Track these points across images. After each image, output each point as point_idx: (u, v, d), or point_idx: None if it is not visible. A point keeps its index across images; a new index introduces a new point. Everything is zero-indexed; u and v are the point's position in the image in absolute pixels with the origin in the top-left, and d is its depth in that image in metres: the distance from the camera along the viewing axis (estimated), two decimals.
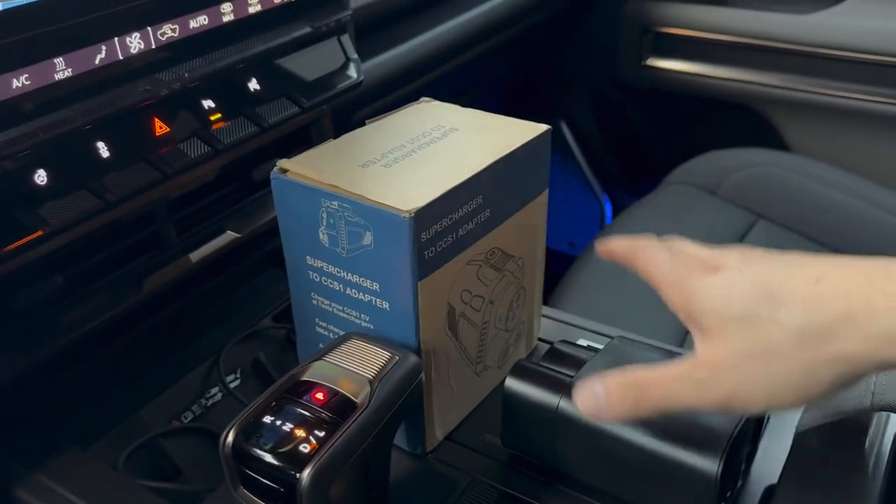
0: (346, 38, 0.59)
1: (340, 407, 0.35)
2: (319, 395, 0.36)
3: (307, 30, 0.55)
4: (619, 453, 0.38)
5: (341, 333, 0.42)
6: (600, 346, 0.44)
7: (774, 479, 0.40)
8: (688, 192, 1.06)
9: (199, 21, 0.48)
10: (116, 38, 0.43)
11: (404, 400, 0.37)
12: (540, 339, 0.53)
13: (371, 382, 0.36)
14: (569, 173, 1.44)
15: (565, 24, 1.32)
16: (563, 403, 0.39)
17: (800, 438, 0.42)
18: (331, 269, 0.42)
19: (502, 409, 0.42)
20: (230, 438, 0.34)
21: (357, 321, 0.42)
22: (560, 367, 0.42)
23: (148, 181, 0.46)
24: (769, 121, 1.22)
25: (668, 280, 0.36)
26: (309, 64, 0.56)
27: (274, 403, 0.35)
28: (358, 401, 0.35)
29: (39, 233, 0.41)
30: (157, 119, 0.47)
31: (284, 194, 0.42)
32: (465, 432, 0.46)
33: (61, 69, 0.41)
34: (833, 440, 0.41)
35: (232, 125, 0.51)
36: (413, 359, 0.39)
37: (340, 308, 0.43)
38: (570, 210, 1.46)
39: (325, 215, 0.40)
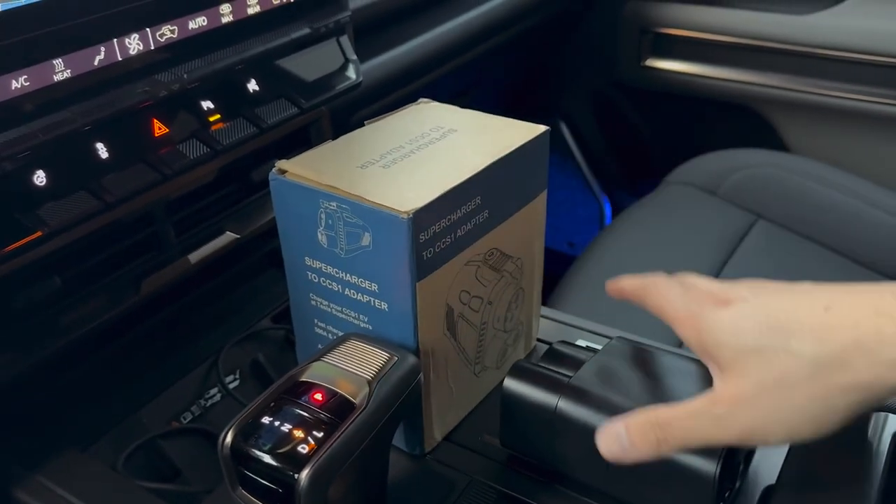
0: (344, 40, 0.59)
1: (339, 408, 0.35)
2: (318, 396, 0.36)
3: (306, 31, 0.55)
4: None
5: (340, 334, 0.42)
6: (599, 347, 0.44)
7: (773, 480, 0.41)
8: (687, 193, 1.06)
9: (197, 22, 0.48)
10: (115, 40, 0.43)
11: (403, 400, 0.37)
12: (539, 340, 0.53)
13: (370, 383, 0.36)
14: (568, 174, 1.44)
15: (564, 25, 1.32)
16: (562, 404, 0.39)
17: None
18: (329, 269, 0.42)
19: (501, 409, 0.42)
20: (229, 439, 0.34)
21: (356, 322, 0.42)
22: (559, 367, 0.42)
23: (147, 182, 0.46)
24: (768, 121, 1.22)
25: (680, 315, 0.36)
26: (308, 65, 0.56)
27: (272, 404, 0.36)
28: (356, 401, 0.35)
29: (39, 234, 0.41)
30: (156, 120, 0.47)
31: (283, 195, 0.42)
32: (463, 433, 0.46)
33: (60, 70, 0.41)
34: (831, 440, 0.41)
35: (231, 126, 0.51)
36: (412, 359, 0.39)
37: (339, 309, 0.43)
38: (569, 210, 1.46)
39: (323, 216, 0.40)
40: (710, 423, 0.33)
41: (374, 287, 0.40)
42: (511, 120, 0.46)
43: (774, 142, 1.21)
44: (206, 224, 0.55)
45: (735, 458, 0.39)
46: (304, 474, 0.32)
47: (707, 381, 0.39)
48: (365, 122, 0.46)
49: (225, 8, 0.49)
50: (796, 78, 1.15)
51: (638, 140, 1.39)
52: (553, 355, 0.44)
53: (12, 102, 0.39)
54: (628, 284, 0.41)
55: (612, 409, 0.38)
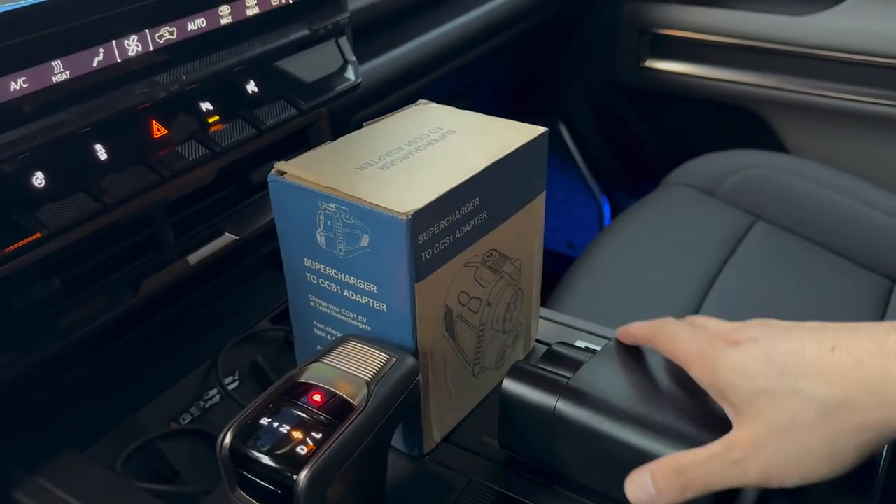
0: (343, 41, 0.59)
1: (338, 409, 0.35)
2: (317, 397, 0.36)
3: (305, 32, 0.55)
4: (617, 455, 0.38)
5: (339, 335, 0.42)
6: (598, 348, 0.44)
7: None
8: (686, 194, 1.06)
9: (196, 23, 0.48)
10: (114, 41, 0.44)
11: (401, 402, 0.37)
12: (538, 341, 0.53)
13: (368, 384, 0.36)
14: (568, 175, 1.44)
15: (563, 27, 1.33)
16: (561, 405, 0.39)
17: None
18: (328, 271, 0.42)
19: (499, 410, 0.42)
20: (227, 440, 0.34)
21: (354, 323, 0.42)
22: (558, 368, 0.42)
23: (146, 183, 0.46)
24: (767, 122, 1.22)
25: (692, 357, 0.37)
26: (307, 66, 0.56)
27: (271, 405, 0.36)
28: (355, 403, 0.35)
29: (38, 235, 0.41)
30: (154, 121, 0.47)
31: (282, 196, 0.42)
32: (462, 434, 0.46)
33: (59, 72, 0.41)
34: None
35: (230, 127, 0.51)
36: (410, 361, 0.39)
37: (338, 310, 0.43)
38: (568, 211, 1.46)
39: (322, 217, 0.40)
40: (729, 468, 0.34)
41: (373, 288, 0.40)
42: (510, 121, 0.46)
43: (773, 143, 1.22)
44: (205, 225, 0.55)
45: None
46: (303, 475, 0.32)
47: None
48: (364, 124, 0.46)
49: (224, 9, 0.49)
50: (795, 79, 1.15)
51: (637, 141, 1.39)
52: (552, 356, 0.44)
53: (11, 104, 0.40)
54: (638, 330, 0.42)
55: (611, 411, 0.38)
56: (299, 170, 0.41)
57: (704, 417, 0.37)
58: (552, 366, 0.42)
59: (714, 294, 0.89)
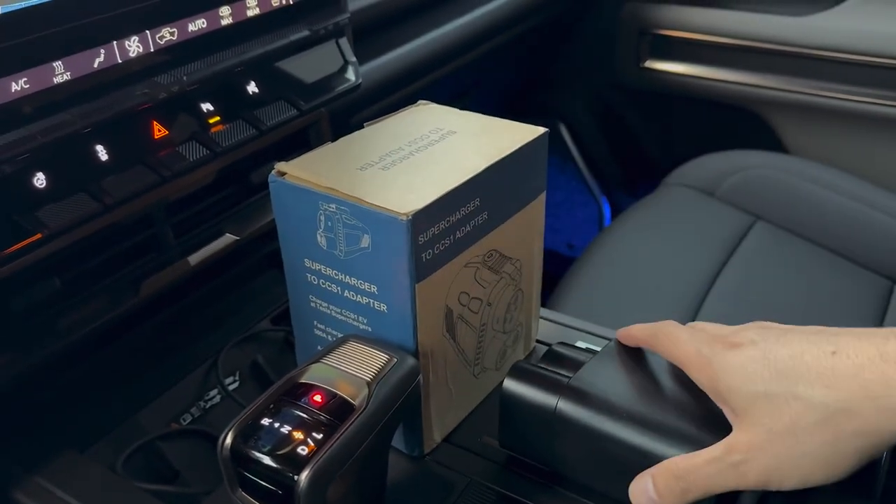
0: (344, 41, 0.59)
1: (338, 409, 0.35)
2: (317, 398, 0.36)
3: (305, 33, 0.55)
4: (617, 455, 0.38)
5: (339, 336, 0.43)
6: (598, 348, 0.44)
7: None
8: (686, 194, 1.06)
9: (197, 24, 0.48)
10: (115, 42, 0.44)
11: (402, 402, 0.37)
12: (538, 341, 0.53)
13: (369, 385, 0.36)
14: (568, 175, 1.44)
15: (563, 27, 1.33)
16: (561, 405, 0.40)
17: None
18: (329, 271, 0.42)
19: (500, 410, 0.42)
20: (228, 441, 0.34)
21: (355, 323, 0.42)
22: (558, 368, 0.42)
23: (146, 184, 0.46)
24: (767, 123, 1.22)
25: (691, 359, 0.37)
26: (307, 67, 0.56)
27: (272, 406, 0.36)
28: (356, 403, 0.36)
29: (38, 235, 0.41)
30: (155, 122, 0.47)
31: (282, 197, 0.42)
32: (462, 434, 0.46)
33: (60, 73, 0.41)
34: None
35: (230, 128, 0.51)
36: (411, 361, 0.39)
37: (338, 310, 0.43)
38: (568, 211, 1.46)
39: (322, 218, 0.40)
40: (729, 471, 0.34)
41: (374, 289, 0.40)
42: (510, 122, 0.46)
43: (773, 143, 1.22)
44: (206, 226, 0.56)
45: None
46: (304, 475, 0.32)
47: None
48: (364, 124, 0.47)
49: (224, 10, 0.49)
50: (795, 79, 1.15)
51: (637, 141, 1.39)
52: (552, 356, 0.44)
53: (12, 104, 0.40)
54: (638, 331, 0.42)
55: (611, 411, 0.38)
56: (300, 170, 0.41)
57: (705, 418, 0.37)
58: (553, 366, 0.42)
59: (714, 294, 0.89)
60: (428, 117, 0.47)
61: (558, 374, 0.41)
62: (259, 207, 0.58)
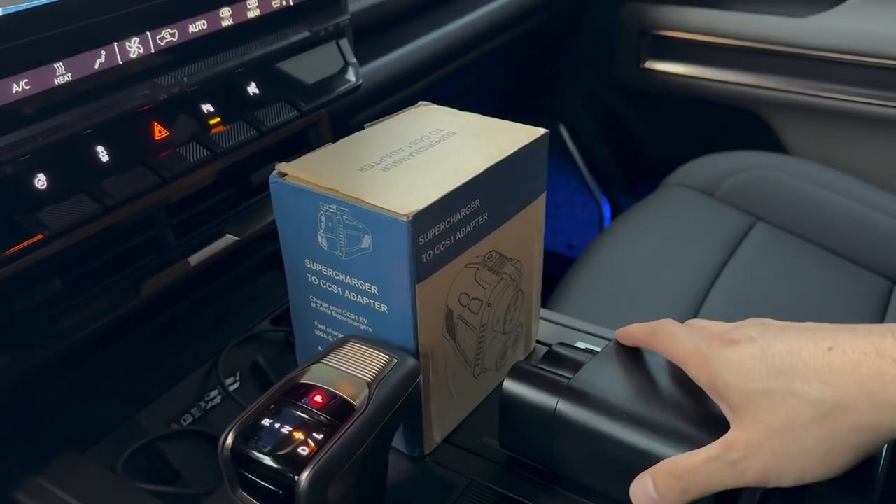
0: (344, 42, 0.59)
1: (339, 410, 0.35)
2: (318, 398, 0.36)
3: (306, 34, 0.55)
4: (617, 455, 0.38)
5: (340, 336, 0.43)
6: (598, 349, 0.44)
7: None
8: (686, 195, 1.06)
9: (198, 26, 0.48)
10: (116, 43, 0.44)
11: (402, 403, 0.38)
12: (538, 342, 0.53)
13: (369, 385, 0.36)
14: (568, 176, 1.44)
15: (563, 28, 1.33)
16: (561, 405, 0.40)
17: None
18: (329, 272, 0.42)
19: (500, 411, 0.42)
20: (229, 441, 0.34)
21: (355, 324, 0.42)
22: (558, 369, 0.42)
23: (147, 185, 0.46)
24: (767, 123, 1.22)
25: (689, 356, 0.37)
26: (307, 68, 0.56)
27: (273, 406, 0.36)
28: (356, 403, 0.36)
29: (39, 236, 0.41)
30: (156, 123, 0.47)
31: (283, 198, 0.42)
32: (463, 435, 0.47)
33: (61, 74, 0.41)
34: None
35: (231, 129, 0.51)
36: (411, 361, 0.39)
37: (339, 311, 0.43)
38: (568, 212, 1.46)
39: (323, 219, 0.40)
40: (727, 469, 0.34)
41: (374, 289, 0.40)
42: (510, 123, 0.46)
43: (773, 144, 1.22)
44: (206, 227, 0.56)
45: None
46: (305, 476, 0.32)
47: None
48: (365, 125, 0.47)
49: (225, 11, 0.50)
50: (795, 80, 1.15)
51: (637, 142, 1.39)
52: (552, 357, 0.44)
53: (13, 106, 0.40)
54: (637, 331, 0.42)
55: (611, 411, 0.39)
56: (300, 171, 0.41)
57: (704, 417, 0.37)
58: (553, 366, 0.42)
59: (714, 295, 0.89)
60: (428, 118, 0.48)
61: (558, 374, 0.41)
62: (259, 208, 0.58)
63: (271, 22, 0.53)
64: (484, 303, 0.45)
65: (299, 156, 0.43)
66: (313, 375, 0.37)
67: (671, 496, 0.35)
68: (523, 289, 0.49)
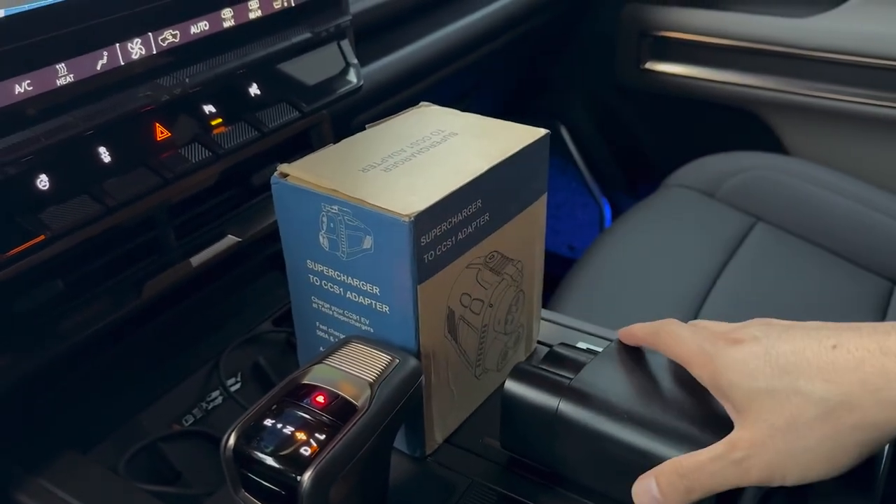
0: (345, 43, 0.60)
1: (341, 410, 0.35)
2: (320, 399, 0.36)
3: (307, 35, 0.55)
4: (619, 456, 0.38)
5: (341, 337, 0.43)
6: (599, 349, 0.44)
7: None
8: (686, 195, 1.06)
9: (199, 27, 0.48)
10: (118, 44, 0.44)
11: (404, 403, 0.38)
12: (539, 342, 0.53)
13: (371, 385, 0.37)
14: (568, 176, 1.44)
15: (563, 29, 1.33)
16: (563, 406, 0.40)
17: None
18: (331, 272, 0.42)
19: (501, 411, 0.42)
20: (231, 441, 0.34)
21: (357, 325, 0.42)
22: (559, 369, 0.42)
23: (149, 186, 0.46)
24: (767, 124, 1.22)
25: (693, 356, 0.37)
26: (309, 69, 0.56)
27: (275, 407, 0.36)
28: (358, 404, 0.36)
29: (41, 237, 0.41)
30: (158, 124, 0.47)
31: (285, 199, 0.42)
32: (464, 435, 0.47)
33: (63, 75, 0.41)
34: None
35: (232, 130, 0.51)
36: (413, 362, 0.39)
37: (340, 311, 0.43)
38: (569, 213, 1.46)
39: (325, 219, 0.40)
40: (731, 468, 0.34)
41: (376, 290, 0.40)
42: (511, 123, 0.47)
43: (773, 144, 1.22)
44: (208, 227, 0.56)
45: None
46: (307, 476, 0.32)
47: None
48: (366, 126, 0.47)
49: (226, 13, 0.50)
50: (795, 81, 1.15)
51: (637, 143, 1.39)
52: (553, 357, 0.44)
53: (15, 107, 0.40)
54: (640, 330, 0.42)
55: (612, 412, 0.39)
56: (302, 172, 0.41)
57: (706, 418, 0.37)
58: (554, 367, 0.43)
59: (714, 295, 0.89)
60: (429, 119, 0.48)
61: (559, 375, 0.41)
62: (261, 209, 0.58)
63: (273, 23, 0.53)
64: (485, 303, 0.45)
65: (301, 157, 0.43)
66: (315, 376, 0.37)
67: (675, 496, 0.35)
68: (524, 289, 0.49)
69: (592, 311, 0.85)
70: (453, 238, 0.40)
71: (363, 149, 0.44)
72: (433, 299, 0.40)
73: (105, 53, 0.43)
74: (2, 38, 0.38)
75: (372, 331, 0.42)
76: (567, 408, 0.39)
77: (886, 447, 0.40)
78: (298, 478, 0.33)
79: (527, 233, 0.47)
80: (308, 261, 0.43)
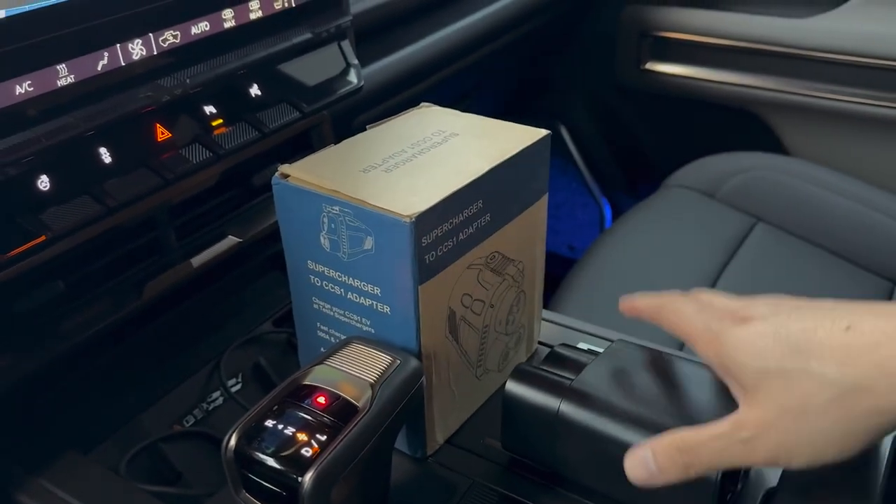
0: (346, 44, 0.60)
1: (342, 411, 0.35)
2: (321, 399, 0.36)
3: (308, 35, 0.55)
4: (619, 456, 0.38)
5: (342, 337, 0.43)
6: (600, 350, 0.44)
7: (774, 483, 0.41)
8: (687, 196, 1.06)
9: (200, 27, 0.48)
10: (118, 45, 0.44)
11: (405, 404, 0.38)
12: (540, 343, 0.53)
13: (372, 386, 0.37)
14: (569, 177, 1.44)
15: (564, 29, 1.33)
16: (564, 407, 0.40)
17: None
18: (332, 273, 0.42)
19: (503, 412, 0.42)
20: (232, 442, 0.34)
21: (358, 325, 0.42)
22: (560, 370, 0.42)
23: (149, 187, 0.46)
24: (768, 124, 1.22)
25: (699, 334, 0.36)
26: (309, 69, 0.56)
27: (276, 407, 0.36)
28: (359, 405, 0.36)
29: (42, 238, 0.41)
30: (158, 125, 0.47)
31: (286, 200, 0.42)
32: (465, 436, 0.47)
33: (64, 75, 0.41)
34: None
35: (233, 130, 0.51)
36: (414, 363, 0.39)
37: (341, 312, 0.43)
38: (569, 213, 1.46)
39: (326, 220, 0.40)
40: (737, 447, 0.33)
41: (377, 291, 0.40)
42: (512, 124, 0.47)
43: (774, 145, 1.22)
44: (209, 228, 0.56)
45: None
46: (308, 477, 0.32)
47: (708, 383, 0.40)
48: (367, 127, 0.47)
49: (227, 13, 0.50)
50: (796, 81, 1.15)
51: (638, 143, 1.39)
52: (555, 358, 0.44)
53: (16, 107, 0.40)
54: (642, 302, 0.40)
55: (614, 413, 0.39)
56: (303, 173, 0.41)
57: (708, 418, 0.37)
58: (555, 368, 0.43)
59: None
60: (430, 120, 0.48)
61: (560, 376, 0.41)
62: (261, 210, 0.58)
63: (273, 23, 0.53)
64: (486, 304, 0.45)
65: (301, 157, 0.43)
66: (316, 377, 0.37)
67: (673, 470, 0.34)
68: (525, 290, 0.49)
69: (593, 311, 0.85)
70: (454, 239, 0.40)
71: (364, 149, 0.44)
72: (434, 300, 0.40)
73: (106, 54, 0.43)
74: (2, 39, 0.38)
75: (373, 331, 0.42)
76: (568, 409, 0.39)
77: (888, 448, 0.40)
78: (299, 479, 0.33)
79: (528, 233, 0.47)
80: (309, 261, 0.43)
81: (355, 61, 0.60)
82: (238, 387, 0.57)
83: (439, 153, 0.43)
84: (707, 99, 1.24)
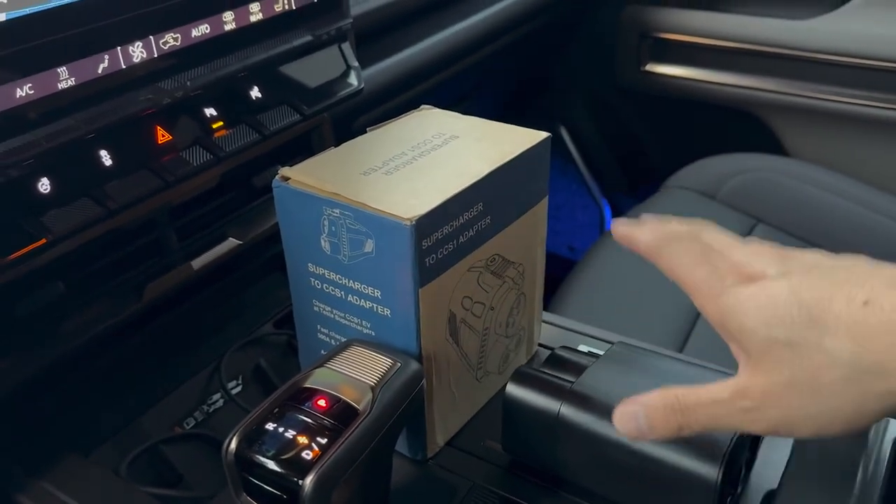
0: (346, 46, 0.60)
1: (342, 414, 0.35)
2: (321, 402, 0.36)
3: (308, 38, 0.55)
4: (620, 459, 0.38)
5: (343, 340, 0.43)
6: (601, 352, 0.44)
7: (774, 485, 0.41)
8: (687, 197, 1.06)
9: (200, 30, 0.48)
10: (119, 48, 0.44)
11: (406, 406, 0.38)
12: (540, 345, 0.53)
13: (373, 389, 0.37)
14: (569, 178, 1.44)
15: (564, 31, 1.33)
16: (564, 409, 0.40)
17: (799, 444, 0.42)
18: (332, 276, 0.42)
19: (503, 414, 0.42)
20: (233, 445, 0.34)
21: (358, 328, 0.42)
22: (561, 373, 0.42)
23: (150, 189, 0.46)
24: (768, 126, 1.22)
25: (699, 287, 0.34)
26: (310, 72, 0.56)
27: (276, 410, 0.36)
28: (360, 407, 0.36)
29: (43, 241, 0.41)
30: (159, 127, 0.47)
31: (286, 202, 0.42)
32: (465, 438, 0.47)
33: (64, 78, 0.41)
34: (832, 446, 0.41)
35: (233, 133, 0.51)
36: (414, 365, 0.39)
37: (342, 315, 0.43)
38: (569, 214, 1.46)
39: (326, 223, 0.40)
40: (737, 415, 0.32)
41: (377, 293, 0.40)
42: (512, 126, 0.47)
43: (774, 146, 1.22)
44: (209, 230, 0.56)
45: (737, 464, 0.39)
46: (309, 480, 0.32)
47: None
48: (367, 129, 0.47)
49: (228, 16, 0.50)
50: (795, 82, 1.15)
51: (638, 144, 1.39)
52: (555, 361, 0.44)
53: (17, 110, 0.40)
54: (640, 236, 0.37)
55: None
56: (304, 176, 0.41)
57: None
58: (555, 370, 0.43)
59: None
60: (431, 122, 0.48)
61: (561, 378, 0.41)
62: (262, 212, 0.58)
63: (274, 26, 0.53)
64: (486, 306, 0.45)
65: (301, 159, 0.43)
66: (317, 379, 0.37)
67: (666, 430, 0.33)
68: (525, 292, 0.49)
69: (593, 313, 0.85)
70: (455, 241, 0.40)
71: (364, 152, 0.44)
72: (434, 303, 0.40)
73: (106, 57, 0.43)
74: (3, 42, 0.38)
75: (373, 334, 0.42)
76: (568, 411, 0.40)
77: (888, 449, 0.40)
78: (300, 482, 0.33)
79: (528, 235, 0.47)
80: (309, 264, 0.43)
81: (355, 63, 0.60)
82: (238, 389, 0.57)
83: (440, 156, 0.43)
84: (707, 100, 1.24)
